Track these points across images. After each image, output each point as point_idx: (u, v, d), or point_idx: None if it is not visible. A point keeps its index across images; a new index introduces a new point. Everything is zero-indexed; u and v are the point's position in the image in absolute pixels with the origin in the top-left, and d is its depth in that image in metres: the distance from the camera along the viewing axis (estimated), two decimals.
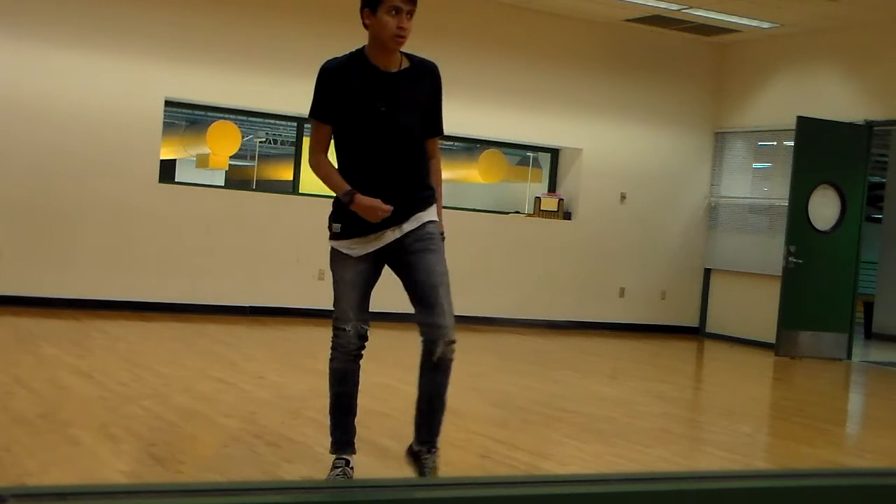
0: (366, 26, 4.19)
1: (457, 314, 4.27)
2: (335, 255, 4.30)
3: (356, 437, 4.36)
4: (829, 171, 11.03)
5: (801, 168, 10.89)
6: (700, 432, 6.81)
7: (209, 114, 11.56)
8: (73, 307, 9.76)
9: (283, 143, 17.48)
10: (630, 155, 12.32)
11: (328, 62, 4.24)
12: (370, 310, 4.36)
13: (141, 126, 10.11)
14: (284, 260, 10.67)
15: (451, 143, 12.81)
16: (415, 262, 4.20)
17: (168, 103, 10.34)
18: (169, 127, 12.67)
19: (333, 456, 4.32)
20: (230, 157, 13.70)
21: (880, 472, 1.63)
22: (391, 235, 4.21)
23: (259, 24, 10.48)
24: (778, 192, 11.73)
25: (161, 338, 8.83)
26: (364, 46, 4.24)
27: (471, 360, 7.37)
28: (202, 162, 14.73)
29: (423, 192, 4.28)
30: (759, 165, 12.40)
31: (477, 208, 12.82)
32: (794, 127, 10.87)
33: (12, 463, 4.35)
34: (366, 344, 4.34)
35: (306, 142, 4.45)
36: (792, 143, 11.09)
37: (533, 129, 11.92)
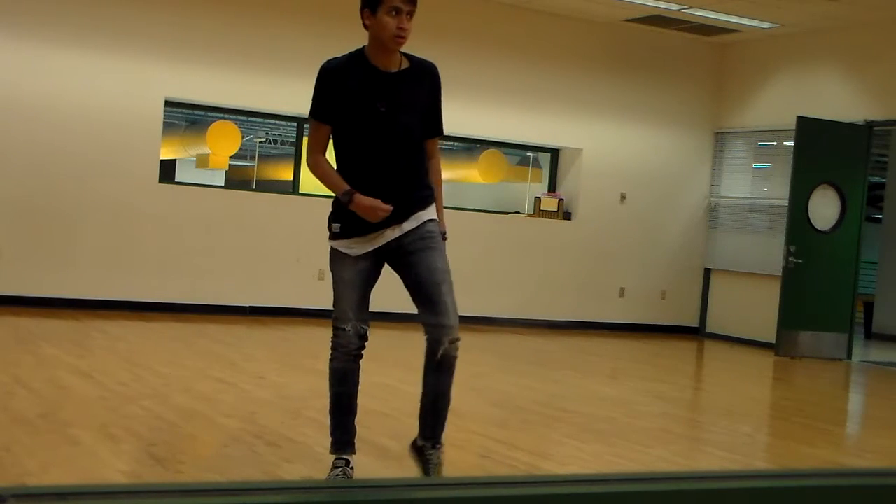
0: (366, 27, 4.19)
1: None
2: (335, 254, 4.31)
3: (356, 437, 4.36)
4: (829, 171, 11.03)
5: (801, 168, 10.89)
6: (700, 432, 6.81)
7: (209, 114, 11.56)
8: (73, 307, 9.76)
9: (283, 143, 17.48)
10: (630, 155, 12.32)
11: (328, 62, 4.25)
12: (370, 310, 4.36)
13: (141, 126, 10.11)
14: (284, 260, 10.67)
15: (451, 143, 12.81)
16: (416, 260, 4.21)
17: (168, 103, 10.34)
18: (169, 127, 12.67)
19: (333, 456, 4.32)
20: (230, 157, 13.71)
21: (880, 472, 1.63)
22: (391, 234, 4.21)
23: (259, 24, 10.49)
24: (778, 192, 11.73)
25: (161, 338, 8.82)
26: (364, 47, 4.25)
27: (471, 360, 7.37)
28: (202, 162, 14.73)
29: (423, 192, 4.28)
30: (759, 165, 12.40)
31: (477, 208, 12.82)
32: (794, 127, 10.87)
33: (12, 463, 4.35)
34: (366, 344, 4.34)
35: (306, 142, 4.44)
36: (792, 143, 11.09)
37: (533, 129, 11.92)
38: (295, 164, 11.50)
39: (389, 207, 4.12)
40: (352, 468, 4.29)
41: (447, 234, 4.36)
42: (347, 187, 4.16)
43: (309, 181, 9.49)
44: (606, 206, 12.25)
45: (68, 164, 9.85)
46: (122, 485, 1.20)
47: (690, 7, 10.91)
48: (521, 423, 6.17)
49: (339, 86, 4.19)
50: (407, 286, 4.27)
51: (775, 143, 12.08)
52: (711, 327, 12.55)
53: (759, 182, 12.30)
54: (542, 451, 5.61)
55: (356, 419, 4.36)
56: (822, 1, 10.31)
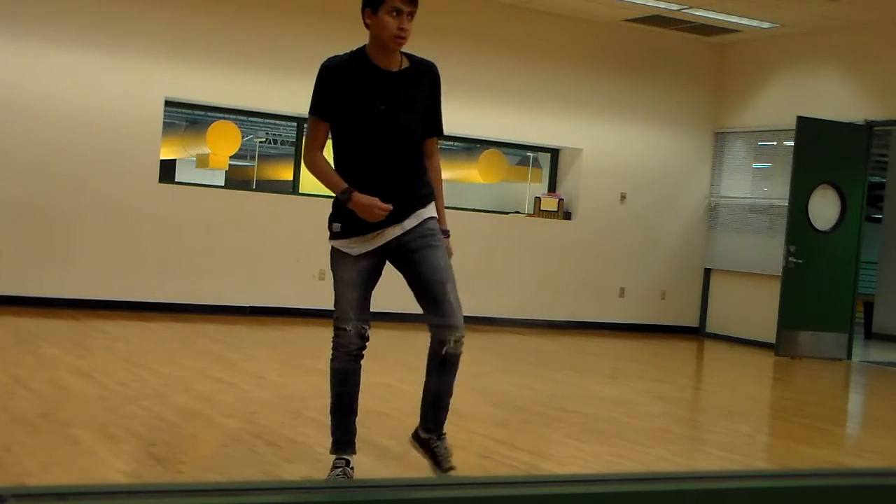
0: (367, 26, 4.20)
1: None
2: (335, 254, 4.31)
3: (357, 437, 4.36)
4: (829, 171, 11.03)
5: (801, 168, 10.89)
6: (700, 432, 6.81)
7: (209, 114, 11.56)
8: (73, 307, 9.76)
9: (283, 143, 17.48)
10: (630, 155, 12.32)
11: (329, 60, 4.25)
12: (371, 309, 4.37)
13: (141, 126, 10.11)
14: (284, 260, 10.67)
15: (451, 143, 12.81)
16: (418, 259, 4.21)
17: (168, 103, 10.34)
18: (169, 127, 12.67)
19: (333, 456, 4.32)
20: (230, 157, 13.71)
21: (880, 472, 1.63)
22: (392, 233, 4.22)
23: (259, 24, 10.49)
24: (778, 192, 11.73)
25: (161, 338, 8.82)
26: (365, 46, 4.25)
27: (471, 360, 7.36)
28: (202, 162, 14.73)
29: (422, 191, 4.29)
30: (759, 165, 12.40)
31: (477, 208, 12.81)
32: (794, 127, 10.87)
33: (12, 463, 4.36)
34: (367, 344, 4.34)
35: (305, 139, 4.45)
36: (792, 143, 11.09)
37: (533, 129, 11.92)
38: (295, 164, 11.50)
39: (388, 206, 4.11)
40: (352, 468, 4.29)
41: (450, 232, 4.37)
42: (346, 185, 4.16)
43: (309, 181, 9.49)
44: (606, 206, 12.25)
45: (68, 164, 9.85)
46: (122, 485, 1.20)
47: (690, 7, 10.91)
48: (521, 423, 6.17)
49: (340, 83, 4.19)
50: (410, 285, 4.27)
51: (775, 143, 12.08)
52: (711, 327, 12.55)
53: (759, 182, 12.30)
54: (542, 451, 5.61)
55: (357, 419, 4.36)
56: (822, 1, 10.31)
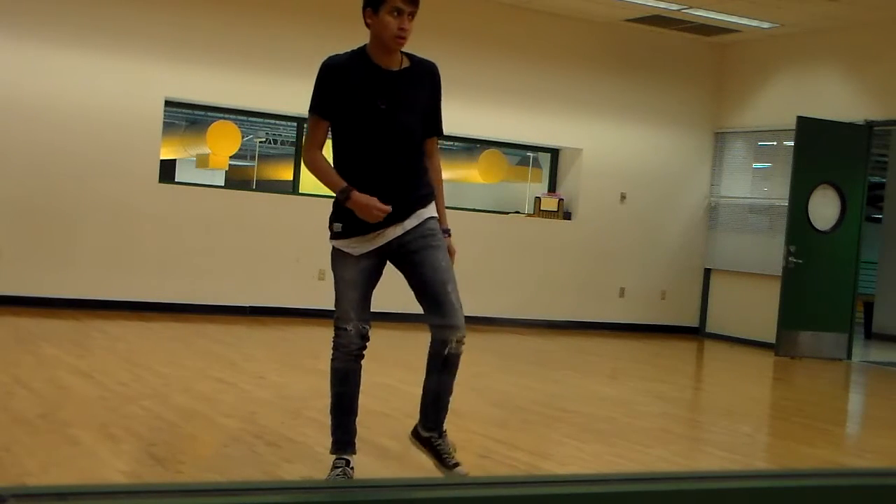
0: (368, 25, 4.20)
1: None
2: (336, 254, 4.30)
3: (357, 437, 4.36)
4: (829, 171, 11.03)
5: (801, 168, 10.89)
6: (700, 432, 6.81)
7: (209, 114, 11.56)
8: (73, 307, 9.76)
9: (283, 143, 17.48)
10: (630, 155, 12.32)
11: (330, 58, 4.25)
12: (371, 309, 4.36)
13: (141, 126, 10.11)
14: (284, 260, 10.67)
15: (451, 143, 12.81)
16: (419, 260, 4.21)
17: (168, 103, 10.34)
18: (169, 127, 12.67)
19: (334, 456, 4.32)
20: (230, 157, 13.71)
21: (880, 472, 1.63)
22: (392, 233, 4.21)
23: (259, 24, 10.48)
24: (778, 192, 11.73)
25: (161, 338, 8.82)
26: (365, 45, 4.25)
27: (471, 360, 7.36)
28: (202, 162, 14.73)
29: (423, 190, 4.29)
30: (759, 165, 12.40)
31: (477, 208, 12.81)
32: (794, 127, 10.87)
33: (12, 463, 4.35)
34: (367, 344, 4.34)
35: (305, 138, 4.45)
36: (792, 143, 11.09)
37: (533, 129, 11.92)
38: (295, 164, 11.50)
39: (387, 208, 4.11)
40: (352, 468, 4.29)
41: (451, 231, 4.37)
42: (344, 184, 4.16)
43: (309, 181, 9.50)
44: (606, 206, 12.24)
45: (68, 164, 9.84)
46: (122, 485, 1.20)
47: (690, 7, 10.91)
48: (521, 423, 6.17)
49: (341, 82, 4.19)
50: (411, 285, 4.27)
51: (775, 143, 12.08)
52: (711, 327, 12.55)
53: (759, 182, 12.30)
54: (542, 451, 5.61)
55: (357, 419, 4.36)
56: (822, 1, 10.31)
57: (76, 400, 5.80)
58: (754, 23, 11.38)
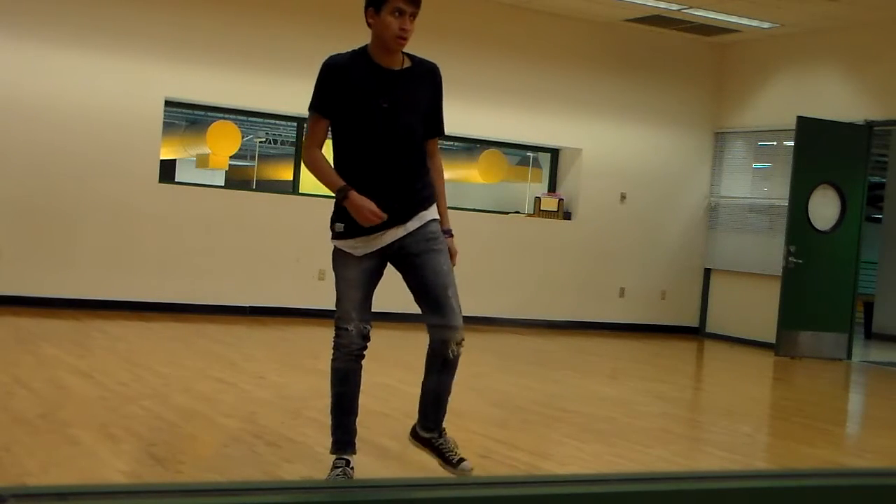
0: (369, 25, 4.20)
1: None
2: (338, 254, 4.30)
3: (357, 437, 4.36)
4: (829, 171, 11.04)
5: (801, 168, 10.89)
6: (700, 432, 6.81)
7: (209, 114, 11.56)
8: (73, 307, 9.76)
9: (283, 143, 17.49)
10: (630, 155, 12.32)
11: (331, 57, 4.26)
12: (372, 310, 4.36)
13: (141, 126, 10.11)
14: (284, 260, 10.67)
15: (451, 143, 12.82)
16: (421, 263, 4.21)
17: (168, 103, 10.34)
18: (169, 127, 12.67)
19: (334, 456, 4.32)
20: (230, 157, 13.71)
21: (880, 472, 1.63)
22: (394, 234, 4.21)
23: (259, 24, 10.49)
24: (778, 192, 11.73)
25: (161, 338, 8.82)
26: (367, 45, 4.26)
27: (471, 360, 7.37)
28: (202, 162, 14.73)
29: (425, 192, 4.28)
30: (759, 165, 12.40)
31: (477, 208, 12.82)
32: (794, 127, 10.87)
33: (12, 463, 4.35)
34: (368, 344, 4.33)
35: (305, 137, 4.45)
36: (792, 143, 11.09)
37: (533, 129, 11.92)
38: (295, 164, 11.50)
39: (383, 215, 4.10)
40: (352, 468, 4.29)
41: (453, 232, 4.37)
42: (343, 184, 4.15)
43: (309, 181, 9.50)
44: (606, 206, 12.24)
45: (68, 164, 9.84)
46: (122, 485, 1.20)
47: (690, 7, 10.91)
48: (521, 423, 6.17)
49: (342, 81, 4.19)
50: (411, 288, 4.27)
51: (775, 143, 12.08)
52: (711, 327, 12.55)
53: (759, 182, 12.30)
54: (542, 451, 5.61)
55: (357, 419, 4.36)
56: (822, 1, 10.31)
57: (76, 400, 5.80)
58: (754, 23, 11.38)
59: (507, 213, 12.42)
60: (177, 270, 10.28)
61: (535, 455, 5.40)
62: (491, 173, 12.91)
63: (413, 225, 4.22)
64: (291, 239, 10.62)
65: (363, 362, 4.34)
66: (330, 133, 4.30)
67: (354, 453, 4.33)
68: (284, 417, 5.66)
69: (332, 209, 4.29)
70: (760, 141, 12.31)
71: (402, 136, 4.22)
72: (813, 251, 10.92)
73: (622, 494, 1.31)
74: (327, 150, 4.32)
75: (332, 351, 4.32)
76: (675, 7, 10.95)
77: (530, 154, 13.43)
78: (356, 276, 4.25)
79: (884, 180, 15.43)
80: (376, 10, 4.15)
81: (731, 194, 12.49)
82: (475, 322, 10.81)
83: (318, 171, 4.24)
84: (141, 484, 1.51)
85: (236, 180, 17.76)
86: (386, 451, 5.00)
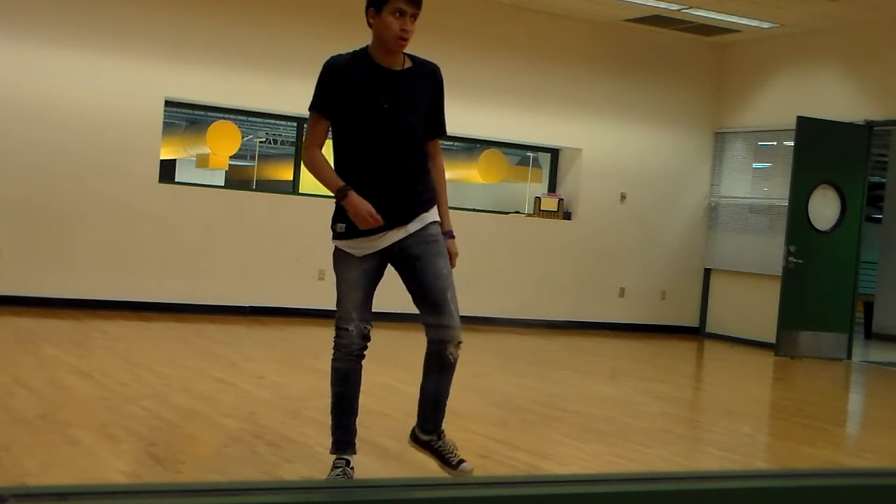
0: (370, 25, 4.20)
1: None
2: (339, 254, 4.30)
3: (357, 437, 4.36)
4: (829, 171, 11.04)
5: (801, 168, 10.89)
6: (700, 432, 6.81)
7: (209, 114, 11.56)
8: (73, 307, 9.76)
9: (283, 143, 17.48)
10: (630, 155, 12.32)
11: (333, 57, 4.26)
12: (372, 310, 4.36)
13: (141, 126, 10.11)
14: (284, 260, 10.67)
15: (451, 143, 12.81)
16: (421, 266, 4.21)
17: (168, 103, 10.34)
18: (169, 127, 12.67)
19: (334, 456, 4.32)
20: (230, 157, 13.71)
21: (880, 472, 1.63)
22: (395, 235, 4.21)
23: (259, 24, 10.49)
24: (778, 192, 11.73)
25: (161, 338, 8.83)
26: (367, 46, 4.26)
27: (471, 360, 7.38)
28: (202, 162, 14.73)
29: (426, 193, 4.28)
30: (759, 165, 12.40)
31: (477, 208, 12.82)
32: (794, 127, 10.87)
33: (12, 463, 4.35)
34: (368, 344, 4.34)
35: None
36: (792, 143, 11.09)
37: (533, 129, 11.92)
38: (295, 164, 11.50)
39: (380, 219, 4.10)
40: (352, 468, 4.29)
41: (454, 233, 4.37)
42: (342, 184, 4.15)
43: (309, 181, 9.50)
44: (606, 206, 12.25)
45: (68, 164, 9.85)
46: (122, 485, 1.20)
47: (690, 7, 10.91)
48: (521, 423, 6.17)
49: (343, 81, 4.19)
50: (410, 289, 4.27)
51: (775, 143, 12.09)
52: (711, 327, 12.55)
53: (759, 182, 12.30)
54: (542, 451, 5.61)
55: (357, 419, 4.36)
56: (822, 1, 10.31)
57: (76, 400, 5.80)
58: (754, 23, 11.38)
59: (507, 213, 12.42)
60: (177, 270, 10.28)
61: (535, 455, 5.40)
62: (491, 173, 12.91)
63: (414, 227, 4.22)
64: (291, 239, 10.63)
65: (363, 362, 4.34)
66: (330, 133, 4.30)
67: (354, 453, 4.34)
68: (284, 417, 5.66)
69: (333, 209, 4.29)
70: (760, 141, 12.31)
71: (402, 137, 4.22)
72: (813, 251, 10.92)
73: (622, 494, 1.31)
74: (328, 151, 4.32)
75: (332, 351, 4.32)
76: (675, 7, 10.95)
77: (530, 154, 13.43)
78: (357, 277, 4.25)
79: (884, 180, 15.43)
80: (377, 11, 4.15)
81: (731, 194, 12.49)
82: (475, 322, 10.82)
83: (318, 172, 4.24)
84: (141, 484, 1.51)
85: (236, 180, 17.76)
86: (386, 451, 5.00)
